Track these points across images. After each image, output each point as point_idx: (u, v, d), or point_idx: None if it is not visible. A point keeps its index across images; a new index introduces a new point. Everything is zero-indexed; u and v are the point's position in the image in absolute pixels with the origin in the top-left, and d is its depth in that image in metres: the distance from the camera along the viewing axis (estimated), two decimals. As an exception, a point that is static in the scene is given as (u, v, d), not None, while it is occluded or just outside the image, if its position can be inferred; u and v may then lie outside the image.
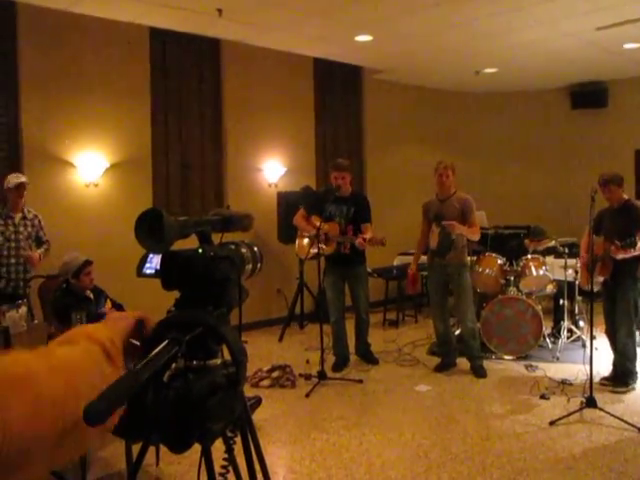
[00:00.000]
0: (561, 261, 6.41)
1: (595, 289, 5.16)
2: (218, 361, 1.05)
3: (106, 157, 6.40)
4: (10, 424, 0.69)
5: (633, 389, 5.07)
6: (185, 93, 7.22)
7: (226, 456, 1.15)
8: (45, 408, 0.74)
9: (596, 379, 4.80)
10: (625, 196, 5.15)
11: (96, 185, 6.35)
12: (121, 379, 0.79)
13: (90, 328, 0.93)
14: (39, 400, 0.73)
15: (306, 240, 5.83)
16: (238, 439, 1.19)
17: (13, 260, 4.86)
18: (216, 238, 1.23)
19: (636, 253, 4.79)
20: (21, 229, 4.91)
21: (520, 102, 9.85)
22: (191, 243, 1.16)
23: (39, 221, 5.11)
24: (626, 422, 4.34)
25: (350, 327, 5.98)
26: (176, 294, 1.12)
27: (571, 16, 6.16)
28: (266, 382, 5.38)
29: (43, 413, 0.73)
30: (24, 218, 4.96)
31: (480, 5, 5.89)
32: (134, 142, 6.63)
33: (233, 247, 1.23)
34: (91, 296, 4.44)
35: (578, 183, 8.78)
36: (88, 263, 4.40)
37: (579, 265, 5.75)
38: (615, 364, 5.27)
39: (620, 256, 4.82)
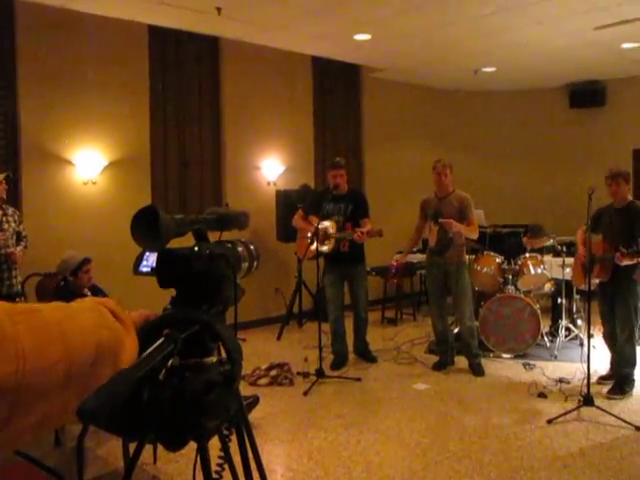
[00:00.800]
0: (559, 260, 6.42)
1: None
2: (214, 359, 1.06)
3: (104, 155, 6.39)
4: (24, 355, 0.70)
5: (630, 396, 5.00)
6: (184, 91, 7.22)
7: (222, 454, 1.15)
8: (52, 339, 0.75)
9: (594, 378, 4.80)
10: (629, 196, 5.03)
11: (94, 183, 6.34)
12: (116, 377, 0.80)
13: (97, 298, 0.96)
14: (45, 329, 0.75)
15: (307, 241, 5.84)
16: (234, 437, 1.19)
17: (3, 258, 4.80)
18: (213, 237, 1.23)
19: None
20: (5, 226, 4.86)
21: (518, 101, 9.85)
22: (187, 241, 1.16)
23: (18, 216, 5.06)
24: (623, 420, 4.35)
25: (349, 325, 5.98)
26: (173, 292, 1.12)
27: (569, 16, 6.17)
28: (264, 380, 5.39)
29: (51, 344, 0.74)
30: (5, 215, 4.90)
31: (479, 4, 5.89)
32: (133, 140, 6.63)
33: (229, 245, 1.24)
34: (89, 294, 4.44)
35: (576, 182, 8.78)
36: (86, 261, 4.40)
37: (573, 262, 5.58)
38: (613, 363, 5.25)
39: (625, 263, 4.70)
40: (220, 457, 1.15)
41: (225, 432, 1.16)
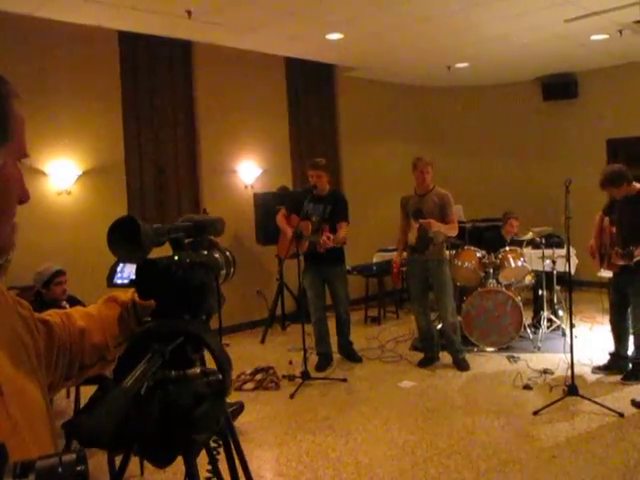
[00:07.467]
0: (539, 252, 6.47)
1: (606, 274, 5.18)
2: (197, 370, 1.03)
3: (78, 164, 6.30)
4: None
5: None
6: (157, 96, 7.14)
7: (210, 467, 1.12)
8: None
9: (577, 367, 4.82)
10: (638, 185, 4.89)
11: (69, 193, 6.25)
12: (113, 396, 0.77)
13: None
14: None
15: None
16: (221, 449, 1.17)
17: None
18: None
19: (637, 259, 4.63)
20: None
21: (493, 95, 9.92)
22: (164, 251, 1.13)
23: None
24: (607, 408, 4.40)
25: (332, 326, 5.97)
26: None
27: (539, 9, 6.21)
28: (250, 385, 5.35)
29: None
30: None
31: (448, 1, 5.90)
32: (107, 148, 6.54)
33: (206, 253, 1.21)
34: (67, 307, 4.37)
35: (553, 173, 8.87)
36: (59, 273, 4.32)
37: (591, 252, 5.34)
38: (614, 353, 5.25)
39: (619, 263, 4.73)
40: (208, 471, 1.12)
41: (213, 444, 1.13)
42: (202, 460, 1.11)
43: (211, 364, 1.09)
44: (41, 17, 5.87)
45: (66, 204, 6.25)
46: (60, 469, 0.65)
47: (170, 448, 0.94)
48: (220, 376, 1.01)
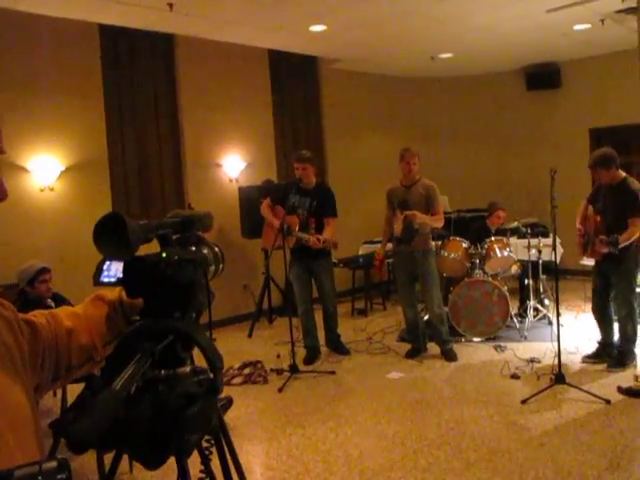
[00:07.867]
0: (524, 241, 6.52)
1: (588, 262, 5.21)
2: (187, 369, 1.01)
3: (61, 160, 6.22)
4: None
5: (635, 366, 5.05)
6: (139, 91, 7.07)
7: (202, 468, 1.11)
8: None
9: (563, 355, 4.86)
10: (622, 173, 4.97)
11: (52, 189, 6.17)
12: (102, 399, 0.75)
13: None
14: None
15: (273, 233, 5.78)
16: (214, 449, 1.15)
17: None
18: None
19: (626, 243, 4.69)
20: None
21: (477, 86, 9.93)
22: (151, 248, 1.11)
23: None
24: (593, 395, 4.45)
25: (319, 319, 5.96)
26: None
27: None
28: (238, 380, 5.34)
29: None
30: None
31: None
32: (89, 144, 6.46)
33: (194, 249, 1.19)
34: (52, 304, 4.32)
35: (537, 163, 8.92)
36: (44, 270, 4.26)
37: (577, 239, 5.28)
38: (601, 342, 5.29)
39: (604, 251, 4.76)
40: (201, 471, 1.10)
41: (205, 444, 1.12)
42: (194, 459, 1.09)
43: (200, 362, 1.07)
44: (22, 11, 5.77)
45: (49, 201, 6.17)
46: (40, 478, 0.63)
47: (161, 449, 0.93)
48: (211, 375, 0.99)
